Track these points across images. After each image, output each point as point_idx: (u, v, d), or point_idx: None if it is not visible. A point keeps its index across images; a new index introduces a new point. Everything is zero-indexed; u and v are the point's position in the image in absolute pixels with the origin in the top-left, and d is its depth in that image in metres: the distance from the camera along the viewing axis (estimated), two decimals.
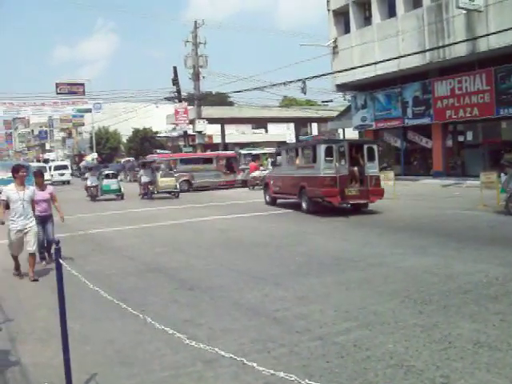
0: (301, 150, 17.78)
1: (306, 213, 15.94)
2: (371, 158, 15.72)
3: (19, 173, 8.55)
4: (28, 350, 5.28)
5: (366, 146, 15.84)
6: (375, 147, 16.14)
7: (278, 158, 19.51)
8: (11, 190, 8.44)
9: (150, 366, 4.72)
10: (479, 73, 23.29)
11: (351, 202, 15.55)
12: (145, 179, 26.43)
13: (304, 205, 16.34)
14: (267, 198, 19.85)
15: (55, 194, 10.07)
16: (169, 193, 26.42)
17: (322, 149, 15.36)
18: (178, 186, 26.78)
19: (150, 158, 32.21)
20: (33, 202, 8.73)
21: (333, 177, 15.06)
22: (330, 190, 15.07)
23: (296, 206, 17.06)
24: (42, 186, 9.82)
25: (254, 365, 2.81)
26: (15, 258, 8.76)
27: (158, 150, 36.66)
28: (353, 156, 15.85)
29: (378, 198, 15.58)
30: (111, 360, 4.93)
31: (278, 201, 19.16)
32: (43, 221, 9.59)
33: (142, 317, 3.80)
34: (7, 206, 8.50)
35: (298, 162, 17.51)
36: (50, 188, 10.07)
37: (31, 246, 8.44)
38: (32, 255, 8.52)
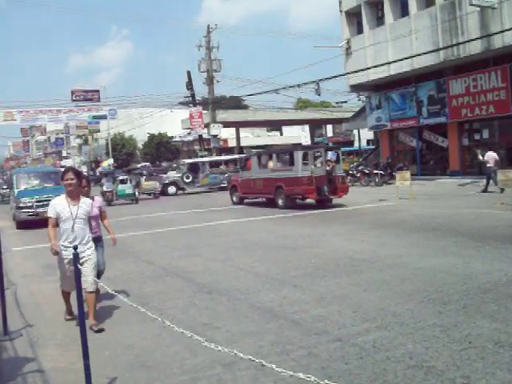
0: (275, 155, 20.20)
1: (281, 208, 18.45)
2: (338, 161, 19.60)
3: (64, 179, 6.22)
4: (48, 355, 5.33)
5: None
6: (340, 152, 20.72)
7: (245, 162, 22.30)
8: (60, 204, 6.15)
9: (170, 369, 4.73)
10: (494, 70, 23.10)
11: (324, 197, 18.15)
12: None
13: (280, 202, 18.92)
14: (234, 198, 22.22)
15: (104, 209, 7.37)
16: (151, 194, 30.52)
17: (299, 154, 18.11)
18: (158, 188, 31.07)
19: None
20: (90, 221, 6.56)
21: (309, 177, 17.61)
22: (307, 188, 17.72)
23: (266, 204, 20.14)
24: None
25: (273, 366, 2.81)
26: (66, 297, 6.53)
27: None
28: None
29: (344, 193, 18.69)
30: (131, 364, 4.96)
31: (246, 200, 21.73)
32: None
33: (160, 320, 3.83)
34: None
35: (271, 165, 19.94)
36: (98, 200, 7.22)
37: (89, 282, 6.03)
38: (91, 294, 6.16)
